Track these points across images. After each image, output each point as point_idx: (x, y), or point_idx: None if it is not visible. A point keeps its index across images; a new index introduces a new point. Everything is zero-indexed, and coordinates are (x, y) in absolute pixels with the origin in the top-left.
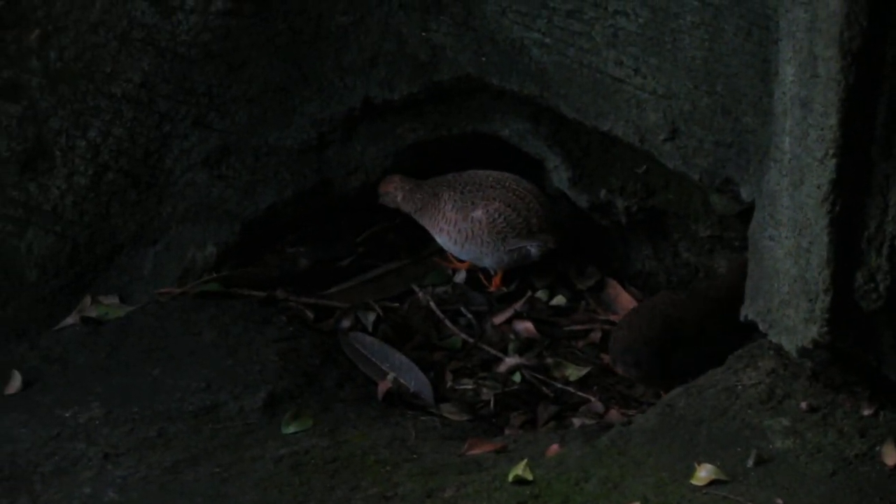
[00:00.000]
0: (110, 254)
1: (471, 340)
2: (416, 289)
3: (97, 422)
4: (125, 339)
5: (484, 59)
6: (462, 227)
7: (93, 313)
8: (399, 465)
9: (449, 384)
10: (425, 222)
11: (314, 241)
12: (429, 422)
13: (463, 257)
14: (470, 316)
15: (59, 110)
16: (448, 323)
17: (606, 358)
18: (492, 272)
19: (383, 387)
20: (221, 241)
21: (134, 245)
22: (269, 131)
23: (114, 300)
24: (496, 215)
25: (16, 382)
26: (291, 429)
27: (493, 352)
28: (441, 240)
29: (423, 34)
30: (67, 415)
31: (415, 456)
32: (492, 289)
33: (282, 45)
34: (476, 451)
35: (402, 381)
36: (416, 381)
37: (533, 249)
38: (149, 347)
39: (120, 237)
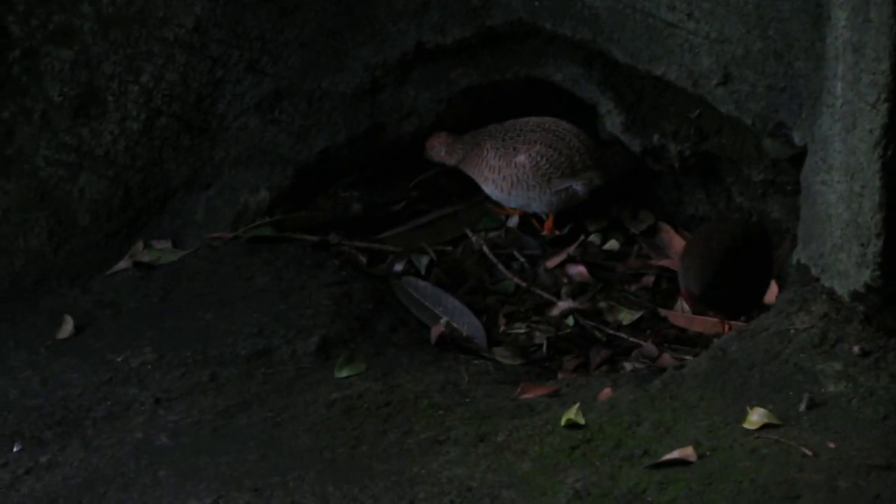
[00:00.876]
0: (163, 199)
1: (524, 284)
2: (469, 233)
3: (149, 366)
4: (177, 283)
5: (537, 3)
6: (507, 174)
7: (145, 258)
8: (452, 410)
9: (502, 328)
10: (471, 173)
11: (367, 185)
12: (481, 366)
13: (511, 204)
14: (523, 260)
15: (112, 55)
16: (501, 267)
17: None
18: (543, 216)
19: (436, 331)
20: (274, 185)
21: (186, 190)
22: (322, 76)
23: (166, 245)
24: (539, 157)
25: (68, 327)
26: (344, 373)
27: (546, 296)
28: (488, 189)
29: None
30: (119, 359)
31: (467, 400)
32: (544, 232)
33: None
34: (528, 395)
35: (454, 325)
36: (468, 325)
37: (579, 188)
38: (201, 292)
39: (172, 182)
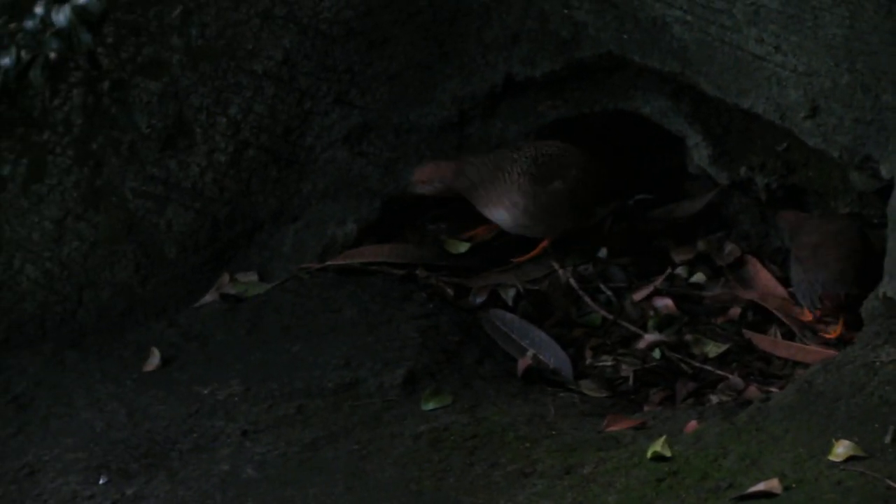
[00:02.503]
0: (250, 231)
1: (610, 317)
2: (556, 265)
3: (236, 398)
4: (264, 315)
5: (625, 36)
6: (542, 200)
7: (232, 290)
8: (538, 442)
9: (588, 361)
10: (484, 199)
11: (454, 218)
12: (568, 398)
13: (527, 232)
14: (609, 293)
15: (200, 87)
16: (587, 299)
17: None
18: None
19: (523, 363)
20: (362, 217)
21: (274, 222)
22: (410, 108)
23: (252, 277)
24: (575, 183)
25: (155, 359)
26: (431, 405)
27: (633, 328)
28: (507, 215)
29: (565, 11)
30: (206, 392)
31: (554, 432)
32: (531, 255)
33: (423, 22)
34: (615, 428)
35: (541, 357)
36: (555, 357)
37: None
38: (288, 324)
39: (260, 214)
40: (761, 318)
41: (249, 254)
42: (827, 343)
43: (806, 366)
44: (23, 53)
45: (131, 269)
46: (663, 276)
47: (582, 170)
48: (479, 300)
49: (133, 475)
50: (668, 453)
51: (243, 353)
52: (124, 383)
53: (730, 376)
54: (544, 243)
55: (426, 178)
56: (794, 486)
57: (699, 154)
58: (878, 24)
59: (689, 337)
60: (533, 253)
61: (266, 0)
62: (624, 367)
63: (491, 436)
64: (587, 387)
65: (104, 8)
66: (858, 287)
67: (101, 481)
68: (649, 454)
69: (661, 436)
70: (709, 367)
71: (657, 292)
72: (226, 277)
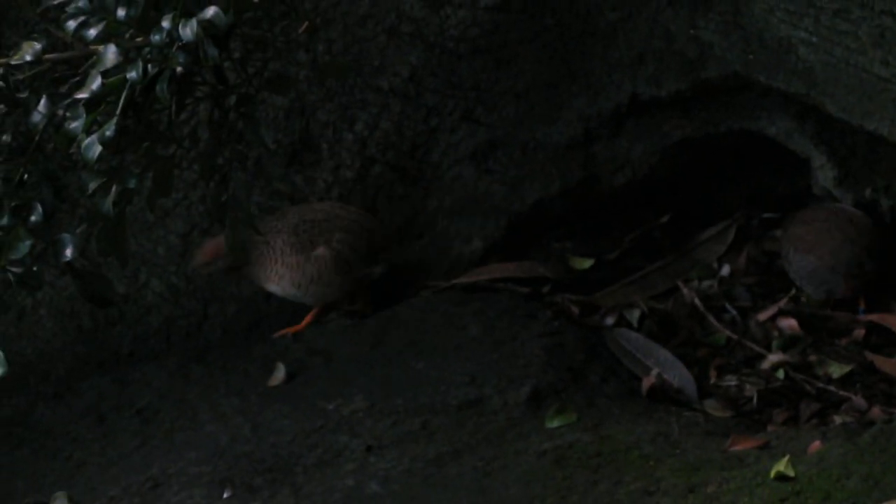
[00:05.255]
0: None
1: (734, 337)
2: (681, 285)
3: (360, 414)
4: (389, 331)
5: (751, 56)
6: (307, 269)
7: (356, 306)
8: (662, 461)
9: (713, 380)
10: (259, 273)
11: (580, 236)
12: (692, 417)
13: (301, 301)
14: (734, 312)
15: (327, 103)
16: (712, 319)
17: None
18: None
19: (647, 382)
20: (487, 235)
21: (399, 239)
22: (536, 126)
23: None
24: (340, 247)
25: (280, 374)
26: (555, 423)
27: (757, 348)
28: (280, 288)
29: (691, 31)
30: (330, 407)
31: (678, 451)
32: (301, 327)
33: (549, 40)
34: (739, 447)
35: (666, 376)
36: (680, 376)
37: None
38: (413, 340)
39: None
40: (885, 340)
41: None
42: None
43: None
44: (149, 67)
45: (256, 285)
46: (787, 297)
47: (347, 233)
48: (608, 321)
49: (257, 489)
50: (791, 473)
51: (368, 368)
52: (249, 397)
53: (853, 397)
54: (313, 313)
55: (208, 258)
56: None
57: (824, 175)
58: None
59: (812, 357)
60: (303, 324)
61: (392, 17)
62: (748, 386)
63: (615, 454)
64: (711, 406)
65: (231, 22)
66: (877, 261)
67: (224, 495)
68: (773, 474)
69: (784, 456)
70: (832, 388)
71: (781, 312)
72: None
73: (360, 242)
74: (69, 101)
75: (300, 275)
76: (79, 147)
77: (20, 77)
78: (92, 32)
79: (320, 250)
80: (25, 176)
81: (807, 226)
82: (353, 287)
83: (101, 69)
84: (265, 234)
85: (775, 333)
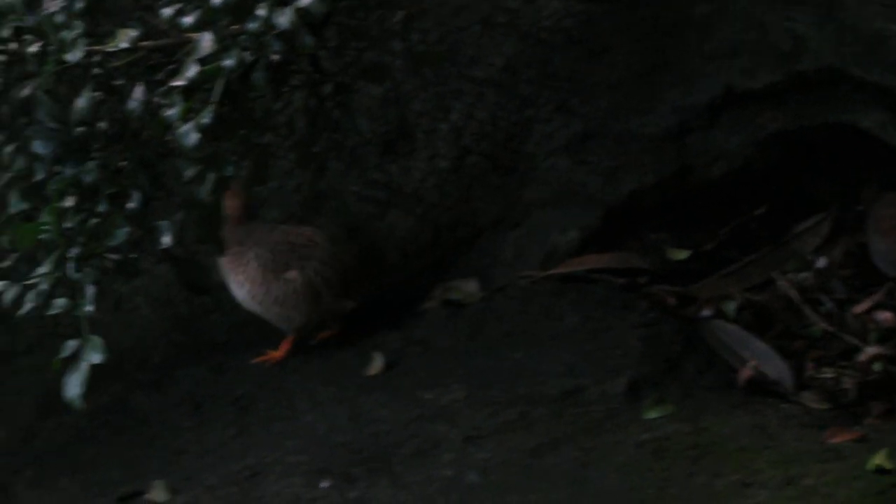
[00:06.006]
0: (471, 237)
1: (831, 329)
2: (777, 277)
3: (458, 404)
4: (486, 322)
5: (845, 49)
6: (272, 288)
7: (453, 296)
8: (759, 453)
9: (809, 372)
10: (229, 264)
11: (675, 227)
12: (789, 410)
13: (264, 317)
14: (830, 304)
15: (422, 93)
16: (808, 311)
17: None
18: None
19: (744, 374)
20: (584, 226)
21: (494, 229)
22: (631, 117)
23: (473, 283)
24: (313, 275)
25: (378, 364)
26: (653, 414)
27: (854, 341)
28: (236, 291)
29: (786, 24)
30: (428, 397)
31: (775, 443)
32: (280, 354)
33: (644, 32)
34: (836, 440)
35: (762, 368)
36: (776, 368)
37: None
38: (510, 331)
39: (480, 221)
40: None
41: (470, 260)
42: None
43: None
44: (246, 55)
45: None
46: (884, 290)
47: (323, 264)
48: (704, 313)
49: (355, 479)
50: (889, 466)
51: (465, 358)
52: (347, 387)
53: None
54: (290, 340)
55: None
56: None
57: None
58: None
59: None
60: (281, 351)
61: (487, 7)
62: (845, 379)
63: (712, 446)
64: (808, 398)
65: (326, 11)
66: None
67: (322, 485)
68: (870, 466)
69: (882, 448)
70: None
71: (878, 305)
72: (448, 283)
73: (334, 275)
74: (165, 88)
75: (263, 291)
76: (175, 134)
77: (116, 64)
78: (188, 20)
79: (292, 274)
80: (122, 163)
81: (891, 209)
82: (321, 317)
83: (198, 57)
84: (244, 240)
85: (872, 326)
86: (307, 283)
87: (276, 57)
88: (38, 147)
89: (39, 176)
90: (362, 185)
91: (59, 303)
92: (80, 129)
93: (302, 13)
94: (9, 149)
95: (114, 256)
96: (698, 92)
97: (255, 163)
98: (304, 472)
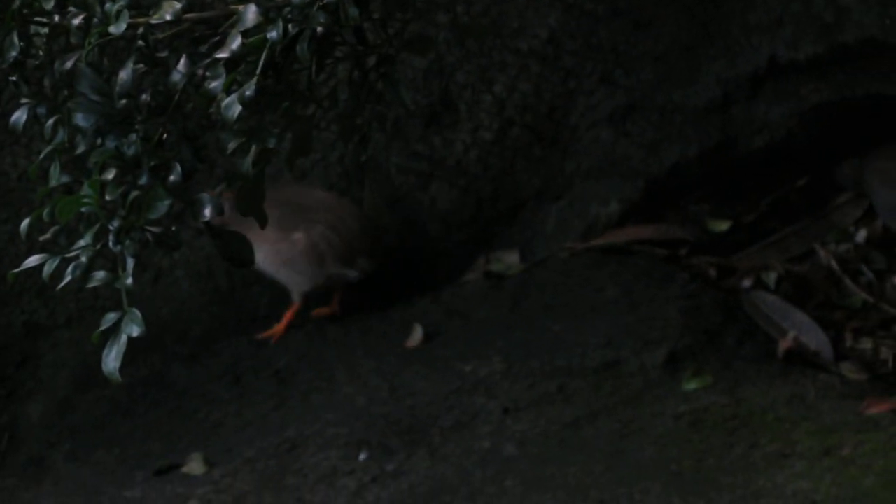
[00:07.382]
0: (513, 209)
1: (871, 300)
2: (818, 248)
3: (497, 376)
4: (527, 294)
5: (888, 21)
6: (280, 248)
7: (494, 268)
8: (797, 423)
9: (849, 343)
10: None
11: (717, 199)
12: (828, 380)
13: (277, 279)
14: (870, 275)
15: (466, 64)
16: (848, 282)
17: None
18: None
19: (784, 345)
20: (625, 198)
21: (536, 201)
22: (674, 89)
23: (514, 255)
24: (318, 239)
25: (417, 335)
26: (692, 386)
27: (893, 311)
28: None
29: None
30: (467, 369)
31: (813, 414)
32: (281, 328)
33: (688, 3)
34: (874, 410)
35: (802, 339)
36: (816, 339)
37: (351, 275)
38: (550, 303)
39: (523, 193)
40: None
41: (511, 232)
42: None
43: None
44: (290, 27)
45: (395, 245)
46: None
47: (330, 228)
48: (745, 284)
49: (393, 451)
50: None
51: (505, 330)
52: (386, 359)
53: None
54: (291, 311)
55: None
56: None
57: None
58: None
59: None
60: (283, 324)
61: None
62: (884, 349)
63: (751, 417)
64: (847, 369)
65: None
66: None
67: (361, 457)
68: None
69: None
70: None
71: None
72: (489, 255)
73: (340, 242)
74: (209, 60)
75: (274, 253)
76: (218, 107)
77: (160, 36)
78: None
79: (297, 235)
80: (164, 135)
81: (893, 161)
82: (326, 283)
83: (242, 29)
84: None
85: None
86: (312, 245)
87: (320, 29)
88: (80, 119)
89: (81, 149)
90: (405, 157)
91: (99, 276)
92: (122, 102)
93: None
94: (50, 121)
95: (154, 229)
96: (742, 63)
97: (298, 135)
98: (343, 444)
